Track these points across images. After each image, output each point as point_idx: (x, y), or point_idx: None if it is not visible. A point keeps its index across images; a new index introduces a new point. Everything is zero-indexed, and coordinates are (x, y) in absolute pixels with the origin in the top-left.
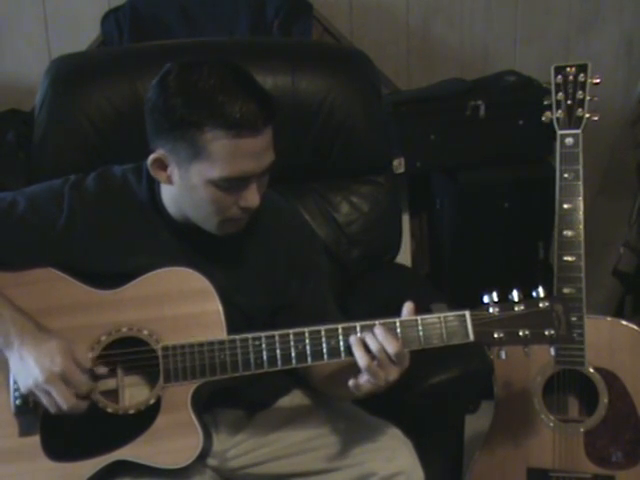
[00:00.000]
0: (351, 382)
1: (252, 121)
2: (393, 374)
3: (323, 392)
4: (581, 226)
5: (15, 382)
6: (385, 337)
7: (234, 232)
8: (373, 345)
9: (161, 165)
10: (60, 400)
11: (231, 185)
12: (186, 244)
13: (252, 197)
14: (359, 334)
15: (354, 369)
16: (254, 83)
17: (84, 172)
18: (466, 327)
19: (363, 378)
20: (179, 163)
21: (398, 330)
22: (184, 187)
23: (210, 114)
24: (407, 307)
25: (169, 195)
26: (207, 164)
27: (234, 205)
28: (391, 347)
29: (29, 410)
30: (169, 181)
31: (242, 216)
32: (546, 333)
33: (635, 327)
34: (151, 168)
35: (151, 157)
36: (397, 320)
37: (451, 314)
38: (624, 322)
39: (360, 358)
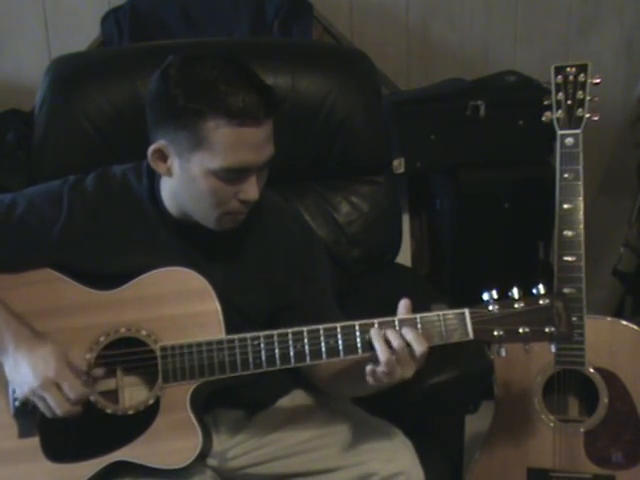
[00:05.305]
0: (368, 367)
1: (254, 111)
2: (409, 371)
3: (325, 391)
4: (581, 226)
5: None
6: (412, 335)
7: (232, 227)
8: (396, 342)
9: (161, 156)
10: (54, 405)
11: (231, 176)
12: (185, 243)
13: (252, 190)
14: (380, 329)
15: (358, 368)
16: (256, 76)
17: (84, 172)
18: (465, 325)
19: (379, 369)
20: (180, 153)
21: (397, 328)
22: (184, 178)
23: (212, 103)
24: (403, 302)
25: (168, 191)
26: (208, 154)
27: (233, 198)
28: (418, 345)
29: (28, 412)
30: (169, 173)
31: (241, 210)
32: (546, 330)
33: (635, 327)
34: (151, 159)
35: (151, 148)
36: (396, 318)
37: (450, 312)
38: (624, 322)
39: (381, 352)
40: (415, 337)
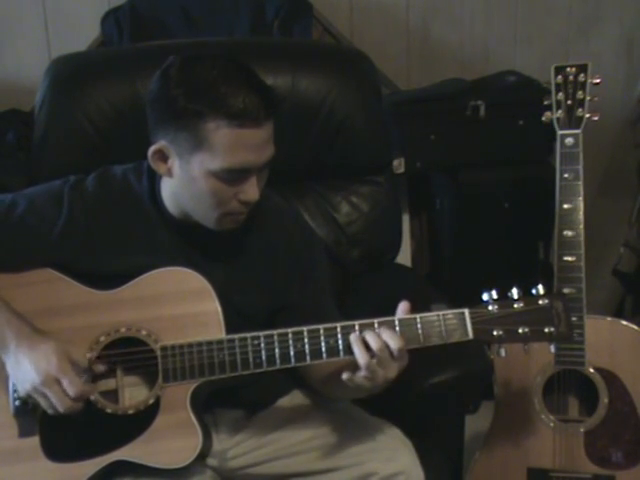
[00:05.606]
0: (345, 375)
1: (254, 112)
2: (392, 372)
3: (322, 392)
4: (581, 226)
5: (14, 384)
6: (388, 334)
7: (232, 228)
8: (374, 343)
9: (162, 157)
10: (56, 402)
11: (231, 177)
12: (185, 243)
13: (252, 191)
14: (358, 333)
15: (353, 368)
16: (256, 77)
17: (84, 172)
18: (465, 325)
19: (360, 374)
20: (180, 154)
21: (397, 328)
22: (184, 179)
23: (213, 104)
24: (402, 306)
25: (169, 191)
26: (208, 155)
27: (233, 198)
28: (394, 343)
29: (28, 411)
30: (169, 173)
31: (241, 210)
32: (546, 330)
33: (635, 327)
34: (151, 160)
35: (152, 148)
36: (396, 318)
37: (450, 312)
38: (624, 322)
39: (360, 356)
40: (390, 335)
